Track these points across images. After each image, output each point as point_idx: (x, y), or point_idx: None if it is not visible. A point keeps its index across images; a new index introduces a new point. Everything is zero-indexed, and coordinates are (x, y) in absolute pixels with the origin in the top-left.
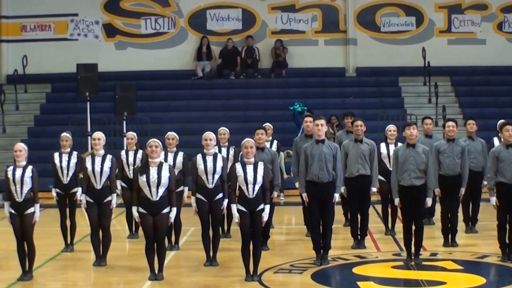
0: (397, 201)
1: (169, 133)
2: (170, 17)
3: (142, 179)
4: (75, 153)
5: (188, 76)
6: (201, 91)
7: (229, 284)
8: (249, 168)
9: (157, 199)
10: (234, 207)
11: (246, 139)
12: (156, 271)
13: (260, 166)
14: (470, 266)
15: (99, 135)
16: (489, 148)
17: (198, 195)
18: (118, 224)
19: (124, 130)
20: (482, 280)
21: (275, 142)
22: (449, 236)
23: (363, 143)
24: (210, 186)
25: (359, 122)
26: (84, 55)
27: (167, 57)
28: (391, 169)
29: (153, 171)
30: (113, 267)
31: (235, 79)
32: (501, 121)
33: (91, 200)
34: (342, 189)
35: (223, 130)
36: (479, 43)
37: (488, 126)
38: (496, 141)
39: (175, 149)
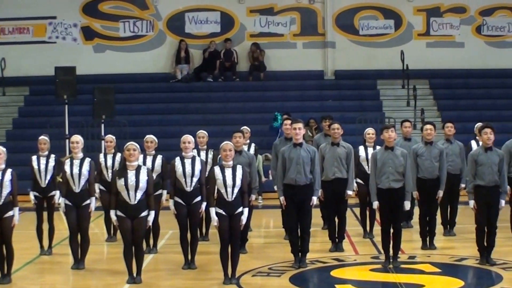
0: (375, 204)
1: (147, 136)
2: (149, 20)
3: (120, 182)
4: (53, 156)
5: (167, 79)
6: (180, 94)
7: (207, 287)
8: (228, 172)
9: (135, 202)
10: (213, 211)
11: (225, 142)
12: (135, 274)
13: (239, 169)
14: (449, 269)
15: (77, 138)
16: (467, 151)
17: (177, 198)
18: (96, 228)
19: (102, 133)
20: (460, 283)
21: (253, 145)
22: (427, 239)
23: (339, 146)
24: (189, 189)
25: (336, 125)
26: (62, 58)
27: (145, 60)
28: (369, 172)
29: (131, 174)
30: (91, 271)
31: (213, 82)
32: (479, 124)
33: (70, 204)
34: (320, 192)
35: (202, 133)
36: (458, 46)
37: (467, 129)
38: (474, 144)
39: (153, 152)
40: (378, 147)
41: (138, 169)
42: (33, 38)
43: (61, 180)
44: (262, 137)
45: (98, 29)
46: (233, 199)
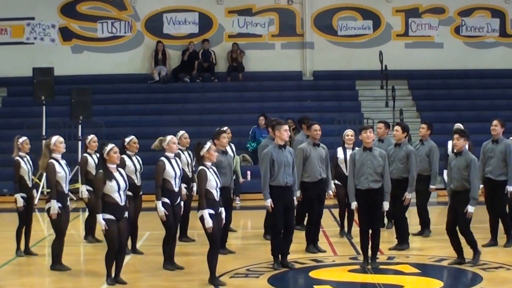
0: (354, 204)
1: (133, 137)
2: (127, 21)
3: (112, 185)
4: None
5: (144, 80)
6: (157, 95)
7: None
8: (213, 172)
9: (123, 203)
10: (206, 213)
11: (210, 143)
12: (113, 275)
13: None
14: (428, 270)
15: (62, 139)
16: (445, 151)
17: (165, 199)
18: (72, 229)
19: (80, 134)
20: (439, 284)
21: (232, 146)
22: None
23: (320, 147)
24: (176, 189)
25: (318, 127)
26: (40, 59)
27: (123, 61)
28: (347, 174)
29: (118, 176)
30: (69, 272)
31: (191, 82)
32: (456, 126)
33: (61, 205)
34: (298, 193)
35: (186, 134)
36: (437, 47)
37: (445, 129)
38: (450, 145)
39: (135, 151)
40: (357, 149)
41: (119, 171)
42: (11, 39)
43: (37, 181)
44: (240, 138)
45: (76, 29)
46: (219, 199)
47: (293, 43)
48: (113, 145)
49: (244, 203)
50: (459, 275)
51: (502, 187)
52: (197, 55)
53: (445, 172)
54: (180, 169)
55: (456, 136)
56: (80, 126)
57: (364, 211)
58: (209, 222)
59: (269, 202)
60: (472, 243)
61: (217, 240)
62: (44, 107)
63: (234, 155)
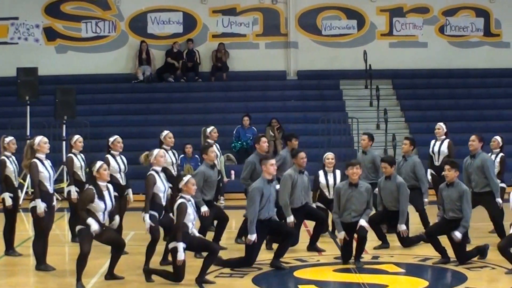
0: (341, 235)
1: (117, 136)
2: (111, 21)
3: (99, 204)
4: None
5: (129, 79)
6: (141, 94)
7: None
8: (191, 205)
9: (103, 222)
10: (181, 247)
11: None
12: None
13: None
14: (412, 269)
15: (46, 139)
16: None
17: (153, 212)
18: (57, 229)
19: (64, 134)
20: (424, 283)
21: (217, 145)
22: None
23: (304, 174)
24: (164, 203)
25: (304, 154)
26: (24, 59)
27: (107, 60)
28: (330, 197)
29: (106, 195)
30: (54, 272)
31: (175, 82)
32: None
33: (46, 205)
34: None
35: (170, 134)
36: (421, 46)
37: (430, 129)
38: (432, 144)
39: (119, 151)
40: (337, 171)
41: (108, 190)
42: None
43: (22, 181)
44: (224, 138)
45: (60, 29)
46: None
47: (277, 43)
48: (102, 162)
49: (228, 202)
50: (443, 274)
51: (489, 195)
52: (181, 54)
53: (429, 171)
54: (166, 183)
55: (447, 167)
56: (64, 126)
57: (346, 242)
58: (181, 256)
59: (254, 237)
60: (472, 257)
61: (183, 273)
62: (28, 107)
63: (219, 155)
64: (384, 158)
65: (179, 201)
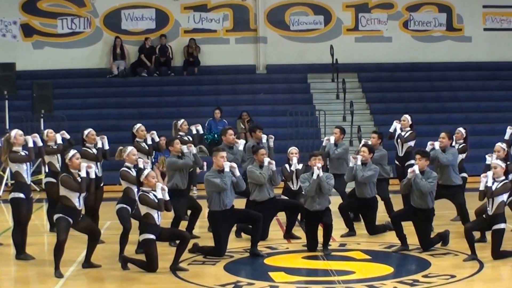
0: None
1: (91, 129)
2: (86, 17)
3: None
4: None
5: (104, 74)
6: (116, 88)
7: (144, 275)
8: (153, 195)
9: (80, 208)
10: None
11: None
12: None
13: None
14: (378, 256)
15: (21, 132)
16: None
17: (125, 205)
18: (36, 219)
19: (42, 127)
20: (389, 269)
21: (189, 138)
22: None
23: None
24: (136, 198)
25: (264, 151)
26: (2, 55)
27: (83, 56)
28: (294, 189)
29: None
30: (34, 261)
31: (149, 77)
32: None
33: (24, 196)
34: None
35: (143, 127)
36: (386, 41)
37: (393, 120)
38: (394, 124)
39: (94, 143)
40: (300, 165)
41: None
42: None
43: (1, 173)
44: None
45: (37, 26)
46: (160, 221)
47: (247, 38)
48: (75, 151)
49: (201, 192)
50: (408, 261)
51: (458, 186)
52: (154, 50)
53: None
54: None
55: (418, 156)
56: (42, 120)
57: (310, 230)
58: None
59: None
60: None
61: (156, 262)
62: (6, 101)
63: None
64: (365, 144)
65: (139, 194)
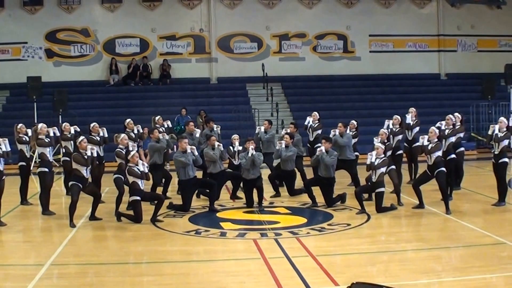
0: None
1: (95, 123)
2: (91, 44)
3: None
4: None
5: (103, 84)
6: (112, 94)
7: (132, 225)
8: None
9: (87, 176)
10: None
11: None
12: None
13: None
14: (296, 211)
15: (45, 125)
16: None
17: (119, 175)
18: (56, 186)
19: (60, 122)
20: (304, 220)
21: (163, 129)
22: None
23: (217, 148)
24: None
25: (215, 138)
26: (32, 71)
27: (88, 71)
28: (236, 163)
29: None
30: (54, 216)
31: (135, 86)
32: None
33: (47, 170)
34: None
35: (132, 121)
36: (300, 60)
37: (306, 116)
38: (307, 120)
39: (97, 133)
40: (240, 147)
41: (87, 155)
42: (12, 57)
43: (32, 154)
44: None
45: (56, 50)
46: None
47: (204, 58)
48: (83, 137)
49: (172, 166)
50: (317, 214)
51: (353, 161)
52: (138, 67)
53: None
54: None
55: (323, 140)
56: (60, 116)
57: (248, 193)
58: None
59: None
60: (336, 201)
61: (141, 215)
62: (35, 103)
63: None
64: (287, 132)
65: (127, 168)
